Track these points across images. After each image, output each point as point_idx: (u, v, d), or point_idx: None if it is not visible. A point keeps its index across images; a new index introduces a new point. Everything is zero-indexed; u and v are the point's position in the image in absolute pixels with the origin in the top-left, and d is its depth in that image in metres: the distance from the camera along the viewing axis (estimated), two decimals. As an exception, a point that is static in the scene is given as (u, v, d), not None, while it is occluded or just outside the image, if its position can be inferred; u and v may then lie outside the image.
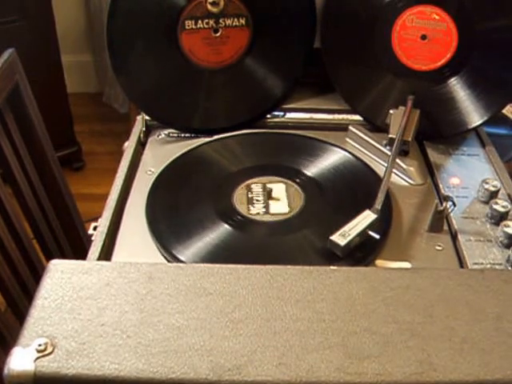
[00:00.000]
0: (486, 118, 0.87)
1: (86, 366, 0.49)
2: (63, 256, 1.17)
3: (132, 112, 0.94)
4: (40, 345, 0.50)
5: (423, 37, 0.87)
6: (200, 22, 0.88)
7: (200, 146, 0.89)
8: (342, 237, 0.67)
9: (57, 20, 2.05)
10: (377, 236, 0.69)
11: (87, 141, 2.41)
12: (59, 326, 0.52)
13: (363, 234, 0.68)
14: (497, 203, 0.74)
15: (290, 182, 0.80)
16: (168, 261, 0.69)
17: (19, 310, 1.01)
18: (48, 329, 0.52)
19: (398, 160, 0.83)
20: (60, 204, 1.18)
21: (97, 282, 0.56)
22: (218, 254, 0.70)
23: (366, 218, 0.69)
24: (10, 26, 1.90)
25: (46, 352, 0.50)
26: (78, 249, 1.22)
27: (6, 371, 0.49)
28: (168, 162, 0.85)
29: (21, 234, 1.04)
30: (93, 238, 0.71)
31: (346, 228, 0.68)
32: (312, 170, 0.83)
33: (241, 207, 0.76)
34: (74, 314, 0.53)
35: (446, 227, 0.74)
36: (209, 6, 0.87)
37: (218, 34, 0.89)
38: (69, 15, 2.58)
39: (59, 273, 0.57)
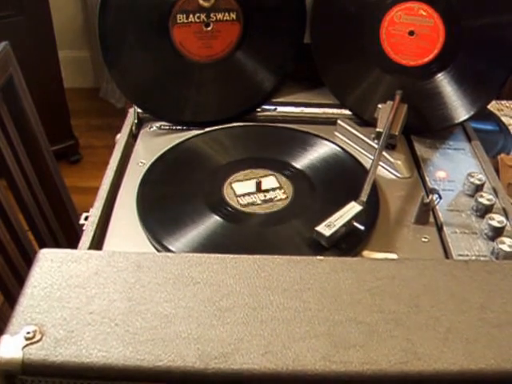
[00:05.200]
0: (472, 113, 0.88)
1: (74, 353, 0.50)
2: (58, 247, 1.17)
3: (128, 107, 0.94)
4: (28, 332, 0.50)
5: (411, 33, 0.88)
6: (191, 16, 0.88)
7: (191, 138, 0.90)
8: (328, 227, 0.68)
9: (54, 15, 2.05)
10: (362, 227, 0.70)
11: (84, 135, 2.42)
12: (48, 313, 0.52)
13: (348, 224, 0.69)
14: (482, 196, 0.75)
15: (279, 175, 0.81)
16: (158, 251, 0.69)
17: (15, 301, 1.01)
18: (37, 317, 0.52)
19: (385, 153, 0.84)
20: (54, 196, 1.18)
21: (86, 271, 0.56)
22: (208, 245, 0.70)
23: (352, 209, 0.70)
24: (6, 21, 1.90)
25: (35, 340, 0.50)
26: (72, 240, 1.22)
27: (-7, 359, 0.50)
28: (159, 153, 0.86)
29: (15, 226, 1.05)
30: (84, 228, 0.71)
31: (331, 219, 0.69)
32: (301, 162, 0.83)
33: (230, 199, 0.77)
34: (63, 302, 0.53)
35: (431, 219, 0.75)
36: (200, 1, 0.88)
37: (209, 28, 0.90)
38: (66, 11, 2.58)
39: (49, 261, 0.57)
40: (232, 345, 0.51)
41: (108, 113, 2.59)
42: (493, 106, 1.19)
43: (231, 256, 0.59)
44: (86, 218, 0.73)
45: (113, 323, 0.52)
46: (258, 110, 0.97)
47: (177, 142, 0.89)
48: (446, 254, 0.71)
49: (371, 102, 0.91)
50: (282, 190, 0.78)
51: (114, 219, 0.74)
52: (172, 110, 0.93)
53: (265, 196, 0.77)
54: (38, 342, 0.50)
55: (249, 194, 0.77)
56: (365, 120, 0.93)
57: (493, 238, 0.71)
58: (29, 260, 1.06)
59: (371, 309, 0.54)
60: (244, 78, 0.95)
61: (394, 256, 0.69)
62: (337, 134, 0.92)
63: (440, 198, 0.73)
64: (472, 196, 0.77)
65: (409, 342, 0.52)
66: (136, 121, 0.93)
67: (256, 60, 0.94)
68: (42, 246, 1.13)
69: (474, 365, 0.50)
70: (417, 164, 0.86)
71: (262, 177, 0.80)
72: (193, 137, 0.90)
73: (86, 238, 0.70)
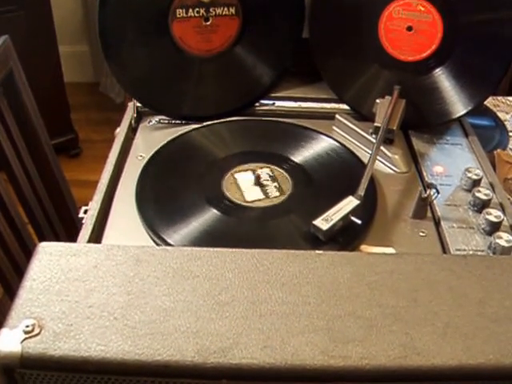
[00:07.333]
0: (469, 108, 0.88)
1: (73, 347, 0.49)
2: (57, 240, 1.17)
3: (127, 101, 0.95)
4: (27, 326, 0.50)
5: (409, 28, 0.88)
6: (191, 10, 0.88)
7: (190, 132, 0.90)
8: (325, 221, 0.68)
9: (54, 10, 2.05)
10: (359, 221, 0.70)
11: (84, 129, 2.44)
12: (47, 307, 0.52)
13: (346, 219, 0.69)
14: (479, 191, 0.75)
15: (277, 169, 0.81)
16: (157, 244, 0.69)
17: (14, 294, 1.01)
18: (35, 310, 0.52)
19: (383, 148, 0.84)
20: (54, 189, 1.18)
21: (85, 264, 0.56)
22: (206, 238, 0.70)
23: (349, 203, 0.70)
24: (7, 15, 1.90)
25: (33, 333, 0.50)
26: (71, 234, 1.22)
27: (-8, 352, 0.49)
28: (158, 147, 0.86)
29: (15, 219, 1.05)
30: (83, 222, 0.71)
31: (329, 213, 0.69)
32: (299, 156, 0.84)
33: (229, 192, 0.77)
34: (62, 295, 0.53)
35: (429, 214, 0.75)
36: (199, -4, 0.88)
37: (208, 23, 0.90)
38: (66, 6, 2.58)
39: (48, 255, 0.57)
40: (231, 339, 0.51)
41: (107, 107, 2.60)
42: (489, 101, 1.19)
43: (230, 250, 0.59)
44: (86, 212, 0.73)
45: (112, 317, 0.52)
46: (257, 104, 0.97)
47: (176, 135, 0.89)
48: (444, 248, 0.71)
49: (369, 96, 0.91)
50: (281, 184, 0.78)
51: (113, 213, 0.74)
52: (171, 104, 0.93)
53: (263, 190, 0.77)
54: (36, 335, 0.50)
55: (247, 187, 0.77)
56: (363, 115, 0.93)
57: (490, 233, 0.71)
58: (28, 253, 1.07)
59: (370, 303, 0.54)
60: (243, 73, 0.95)
61: (391, 250, 0.69)
62: (335, 128, 0.92)
63: (438, 192, 0.73)
64: (469, 191, 0.77)
65: (407, 337, 0.52)
66: (135, 115, 0.93)
67: (255, 55, 0.94)
68: (42, 239, 1.13)
69: (473, 360, 0.50)
70: (414, 159, 0.86)
71: (260, 170, 0.80)
72: (192, 130, 0.90)
73: (85, 232, 0.69)
